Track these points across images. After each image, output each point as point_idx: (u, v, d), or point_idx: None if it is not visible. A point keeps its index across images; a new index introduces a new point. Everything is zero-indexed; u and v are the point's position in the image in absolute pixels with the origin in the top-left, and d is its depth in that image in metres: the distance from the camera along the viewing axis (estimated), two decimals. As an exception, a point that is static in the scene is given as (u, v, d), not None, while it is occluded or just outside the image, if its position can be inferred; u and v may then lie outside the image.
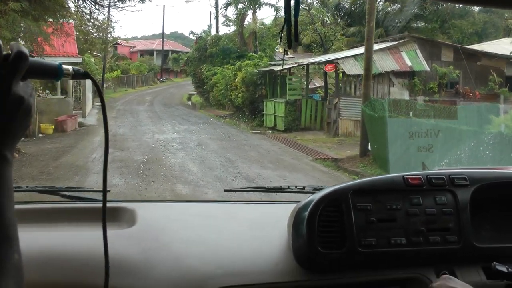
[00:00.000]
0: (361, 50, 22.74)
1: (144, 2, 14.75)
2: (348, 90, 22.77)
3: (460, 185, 1.75)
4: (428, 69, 21.88)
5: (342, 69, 21.04)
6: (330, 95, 23.22)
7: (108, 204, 1.68)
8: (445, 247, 1.68)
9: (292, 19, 1.24)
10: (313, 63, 23.41)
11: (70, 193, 2.28)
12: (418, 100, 20.78)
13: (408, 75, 22.08)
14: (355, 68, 20.74)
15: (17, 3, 10.54)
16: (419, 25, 38.16)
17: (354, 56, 21.27)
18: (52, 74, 1.01)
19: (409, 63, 21.75)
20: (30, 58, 0.94)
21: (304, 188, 2.47)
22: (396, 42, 22.14)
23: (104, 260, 1.26)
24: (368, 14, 14.93)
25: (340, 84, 22.73)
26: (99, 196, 2.22)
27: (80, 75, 1.06)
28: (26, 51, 0.93)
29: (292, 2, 1.23)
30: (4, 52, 0.90)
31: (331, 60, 21.66)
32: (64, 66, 1.03)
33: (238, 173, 11.91)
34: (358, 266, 1.66)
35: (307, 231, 1.61)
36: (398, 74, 21.88)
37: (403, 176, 1.73)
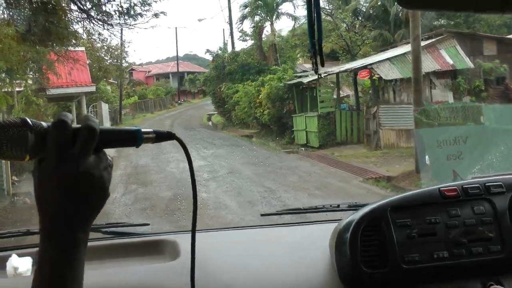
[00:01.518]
0: (394, 52, 20.98)
1: (158, 17, 13.04)
2: (386, 97, 20.79)
3: (496, 192, 1.70)
4: (471, 65, 19.87)
5: (377, 74, 19.13)
6: (362, 104, 21.40)
7: (149, 238, 2.16)
8: (488, 257, 1.63)
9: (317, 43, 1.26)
10: (345, 70, 21.51)
11: (111, 229, 2.27)
12: (464, 101, 18.92)
13: (450, 75, 20.14)
14: (392, 72, 18.89)
15: (12, 27, 8.84)
16: (442, 22, 36.25)
17: (389, 59, 19.40)
18: (131, 141, 0.96)
19: (450, 61, 19.81)
20: (105, 127, 0.92)
21: (338, 206, 2.43)
22: (433, 40, 20.22)
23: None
24: (412, 8, 13.04)
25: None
26: (140, 230, 2.43)
27: (164, 137, 0.99)
28: (95, 124, 0.90)
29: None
30: (75, 125, 0.88)
31: (365, 65, 19.74)
32: (144, 130, 0.96)
33: (284, 206, 10.05)
34: (403, 282, 1.63)
35: (350, 252, 1.60)
36: (439, 74, 19.95)
37: (439, 188, 1.70)
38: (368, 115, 19.25)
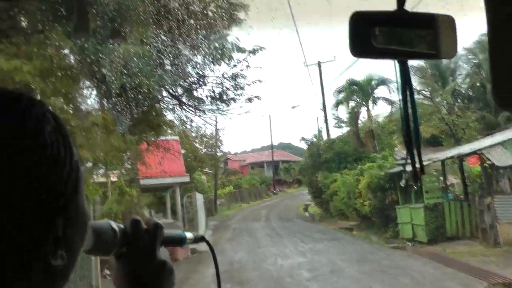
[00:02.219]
0: (505, 135, 19.25)
1: (251, 101, 12.68)
2: (499, 186, 18.92)
3: None
4: None
5: (488, 160, 17.49)
6: (471, 194, 19.60)
7: None
8: None
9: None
10: (452, 157, 20.00)
11: None
12: None
13: None
14: (506, 158, 17.16)
15: (98, 115, 8.52)
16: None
17: (501, 143, 17.76)
18: (180, 242, 1.18)
19: None
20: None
21: None
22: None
23: None
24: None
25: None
26: None
27: (198, 239, 1.24)
28: (160, 222, 1.06)
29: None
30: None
31: (474, 151, 18.19)
32: (187, 234, 1.19)
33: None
34: None
35: None
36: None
37: None
38: (482, 206, 17.46)
